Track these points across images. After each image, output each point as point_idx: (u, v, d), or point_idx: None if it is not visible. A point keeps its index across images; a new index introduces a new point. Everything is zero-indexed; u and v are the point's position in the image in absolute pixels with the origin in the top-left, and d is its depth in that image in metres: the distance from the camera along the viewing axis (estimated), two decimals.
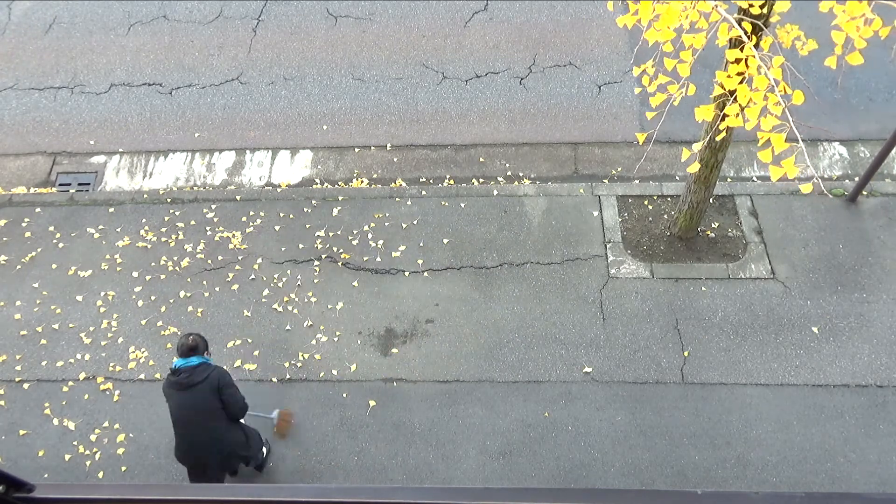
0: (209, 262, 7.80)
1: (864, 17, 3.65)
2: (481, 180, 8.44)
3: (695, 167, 4.82)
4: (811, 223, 7.67)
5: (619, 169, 8.41)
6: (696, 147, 4.41)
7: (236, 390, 5.73)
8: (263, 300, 7.49)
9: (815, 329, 7.00)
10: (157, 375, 7.09)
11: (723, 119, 4.21)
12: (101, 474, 6.58)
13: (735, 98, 4.03)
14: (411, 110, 9.05)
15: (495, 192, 8.16)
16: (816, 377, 6.73)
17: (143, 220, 8.16)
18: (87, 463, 6.63)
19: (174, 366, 5.51)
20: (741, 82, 3.99)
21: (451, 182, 8.44)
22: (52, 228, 8.16)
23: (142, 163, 8.91)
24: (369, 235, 7.88)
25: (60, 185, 8.78)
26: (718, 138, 4.36)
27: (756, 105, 3.92)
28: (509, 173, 8.48)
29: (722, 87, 4.20)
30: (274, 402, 6.85)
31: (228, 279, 7.65)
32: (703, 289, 7.31)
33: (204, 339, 5.62)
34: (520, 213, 7.96)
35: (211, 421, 5.56)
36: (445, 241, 7.80)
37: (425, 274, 7.58)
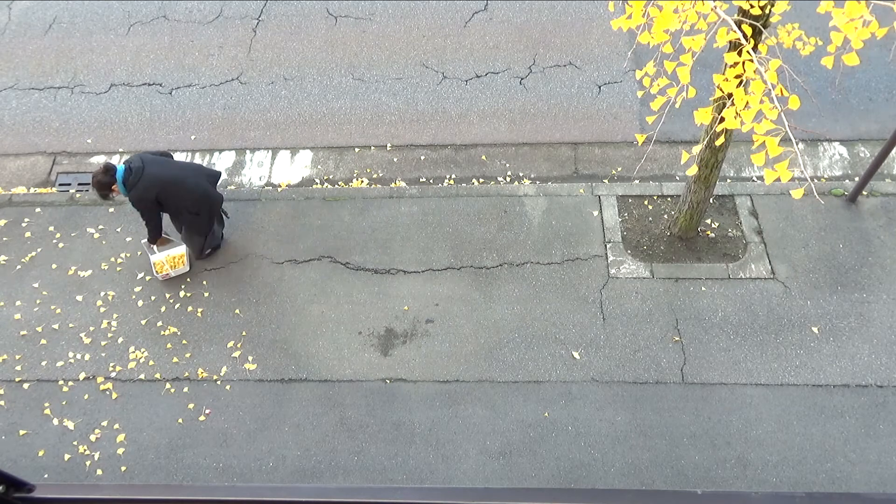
0: (209, 262, 7.80)
1: (863, 18, 3.65)
2: (481, 180, 8.44)
3: (693, 170, 4.82)
4: (811, 223, 7.68)
5: (619, 169, 8.41)
6: (696, 150, 4.40)
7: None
8: (263, 300, 7.49)
9: (815, 329, 7.01)
10: (158, 375, 7.09)
11: (721, 122, 4.21)
12: (99, 471, 6.58)
13: (732, 101, 4.02)
14: (411, 110, 9.05)
15: (495, 192, 8.16)
16: (816, 377, 6.74)
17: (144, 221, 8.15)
18: (87, 463, 6.64)
19: (121, 179, 6.76)
20: (739, 85, 3.98)
21: (452, 182, 8.44)
22: (52, 228, 8.16)
23: None
24: (369, 235, 7.88)
25: (60, 185, 8.78)
26: (718, 143, 4.35)
27: (752, 108, 3.92)
28: (509, 173, 8.48)
29: (720, 89, 4.20)
30: (274, 401, 6.86)
31: (228, 279, 7.65)
32: (703, 289, 7.31)
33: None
34: (520, 213, 7.97)
35: (174, 161, 7.24)
36: (445, 241, 7.80)
37: (425, 274, 7.59)
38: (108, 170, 6.74)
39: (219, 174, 7.39)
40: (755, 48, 4.24)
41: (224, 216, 7.69)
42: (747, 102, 3.90)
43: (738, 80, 3.99)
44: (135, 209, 7.01)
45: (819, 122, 8.43)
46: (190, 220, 7.24)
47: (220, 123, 9.13)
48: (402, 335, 7.21)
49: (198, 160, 8.86)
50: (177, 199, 6.99)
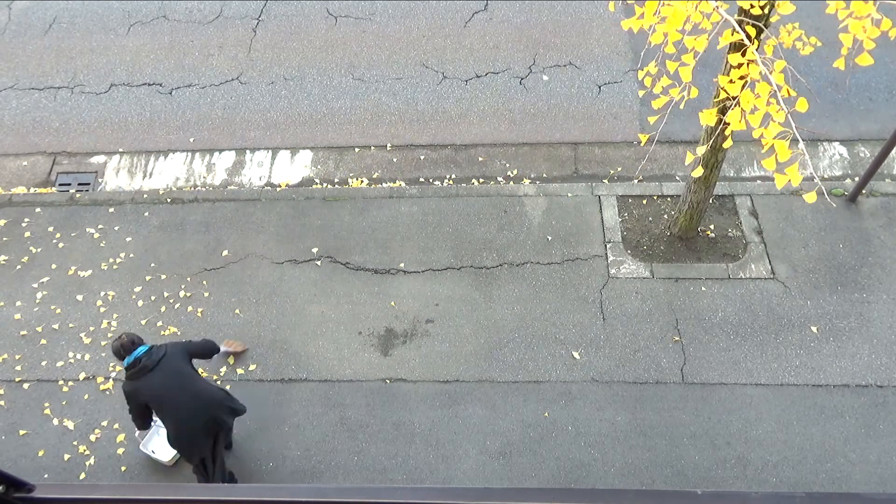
0: (209, 262, 7.80)
1: (871, 17, 3.63)
2: (481, 180, 8.44)
3: (699, 171, 4.81)
4: (811, 223, 7.68)
5: (619, 169, 8.41)
6: (700, 151, 4.39)
7: (193, 342, 6.07)
8: (263, 300, 7.49)
9: (814, 329, 7.00)
10: None
11: (726, 124, 4.19)
12: (99, 472, 6.57)
13: (737, 103, 4.01)
14: (411, 110, 9.05)
15: (495, 192, 8.16)
16: (816, 377, 6.74)
17: (143, 220, 8.15)
18: (87, 463, 6.63)
19: (126, 363, 5.48)
20: (744, 87, 3.97)
21: (451, 182, 8.44)
22: (51, 228, 8.16)
23: (142, 163, 8.91)
24: (369, 235, 7.88)
25: (60, 185, 8.78)
26: (726, 145, 4.33)
27: (759, 110, 3.90)
28: (509, 173, 8.48)
29: (724, 91, 4.19)
30: (274, 401, 6.85)
31: (228, 279, 7.65)
32: (703, 289, 7.31)
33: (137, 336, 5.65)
34: (520, 213, 7.97)
35: (192, 383, 5.67)
36: (445, 241, 7.80)
37: (425, 274, 7.58)
38: (126, 348, 5.50)
39: (242, 410, 6.05)
40: (759, 49, 4.22)
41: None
42: (754, 105, 3.88)
43: (742, 82, 3.98)
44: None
45: (819, 123, 8.43)
46: (181, 445, 5.88)
47: (220, 123, 9.13)
48: (402, 335, 7.21)
49: (198, 160, 8.86)
50: (174, 421, 5.66)
